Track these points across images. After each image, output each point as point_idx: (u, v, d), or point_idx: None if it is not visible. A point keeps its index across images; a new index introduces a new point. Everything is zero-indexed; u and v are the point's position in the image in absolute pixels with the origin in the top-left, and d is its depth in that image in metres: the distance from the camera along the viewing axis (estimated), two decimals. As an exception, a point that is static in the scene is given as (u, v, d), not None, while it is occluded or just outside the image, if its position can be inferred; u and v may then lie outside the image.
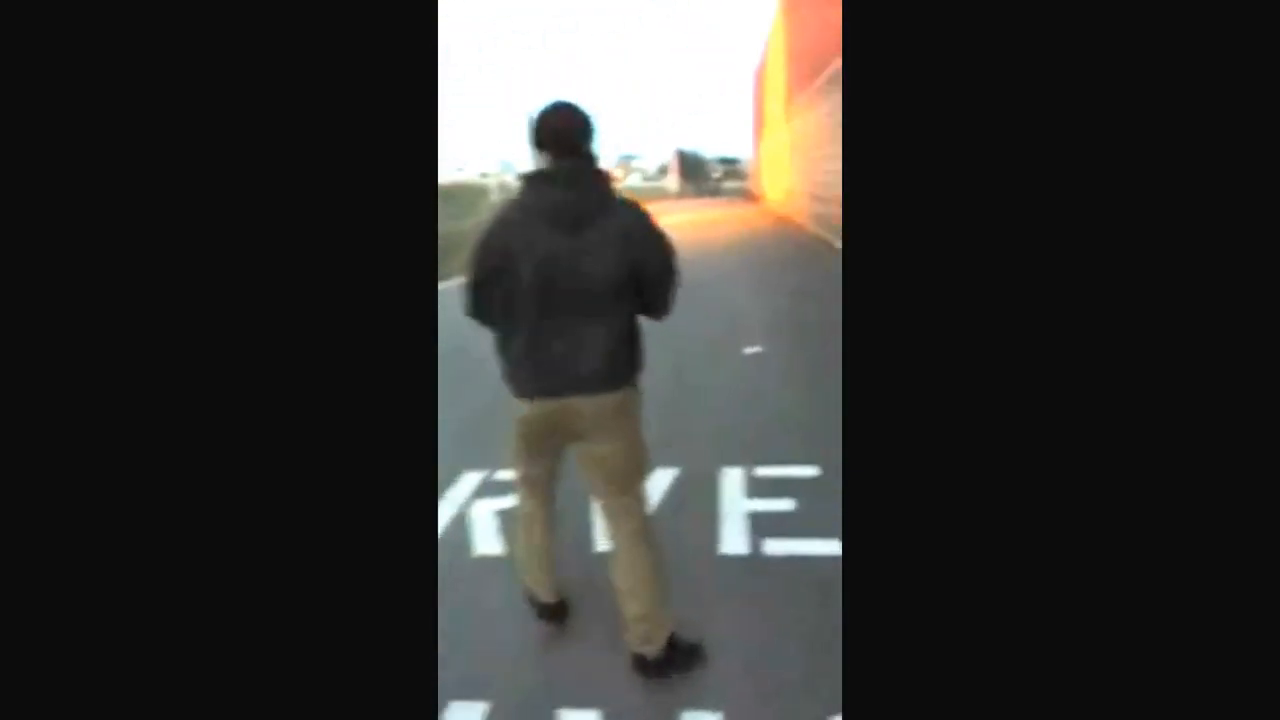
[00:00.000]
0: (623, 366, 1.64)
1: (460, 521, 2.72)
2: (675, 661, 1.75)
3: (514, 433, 1.76)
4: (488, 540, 2.58)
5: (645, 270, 1.59)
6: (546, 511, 1.90)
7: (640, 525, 1.77)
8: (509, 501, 2.78)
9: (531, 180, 1.58)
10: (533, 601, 1.96)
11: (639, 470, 1.78)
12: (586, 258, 1.54)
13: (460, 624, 2.11)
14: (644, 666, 1.75)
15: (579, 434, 1.68)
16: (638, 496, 1.78)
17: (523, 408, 1.67)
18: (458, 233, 14.57)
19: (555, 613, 1.96)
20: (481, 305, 1.65)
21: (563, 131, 1.54)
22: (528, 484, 1.86)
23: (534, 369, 1.61)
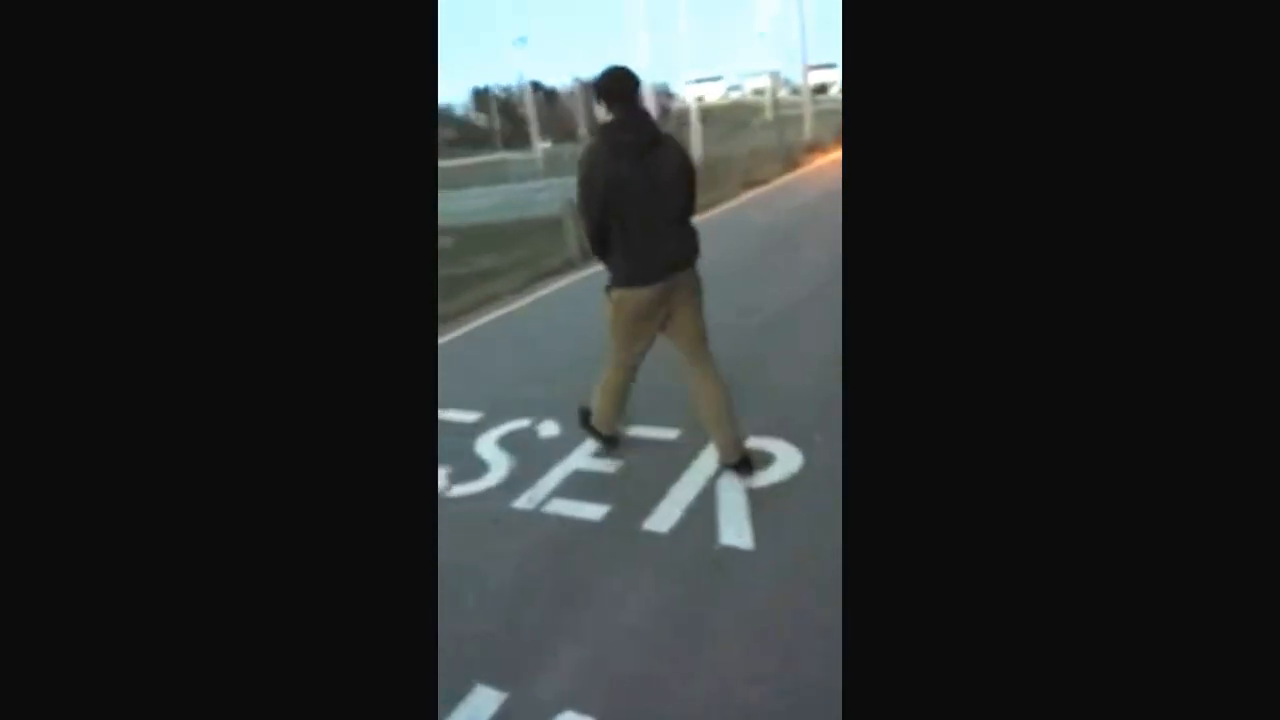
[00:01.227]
0: (697, 245, 2.44)
1: (707, 501, 2.41)
2: (751, 463, 2.50)
3: (624, 313, 2.41)
4: (737, 528, 2.24)
5: (689, 176, 2.35)
6: (629, 382, 2.65)
7: (715, 368, 2.52)
8: (770, 477, 2.46)
9: (608, 129, 2.25)
10: (599, 434, 2.79)
11: (705, 328, 2.52)
12: (660, 175, 2.25)
13: (688, 633, 1.79)
14: (738, 469, 2.49)
15: (675, 304, 2.41)
16: (708, 349, 2.53)
17: (643, 292, 2.34)
18: (723, 158, 14.15)
19: (614, 442, 2.81)
20: (600, 227, 2.30)
21: (621, 88, 2.24)
22: (626, 367, 2.58)
23: (651, 263, 2.31)
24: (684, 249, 2.38)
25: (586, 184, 2.27)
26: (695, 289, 2.45)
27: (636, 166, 2.21)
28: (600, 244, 2.36)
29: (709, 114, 15.15)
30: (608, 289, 2.43)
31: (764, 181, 11.82)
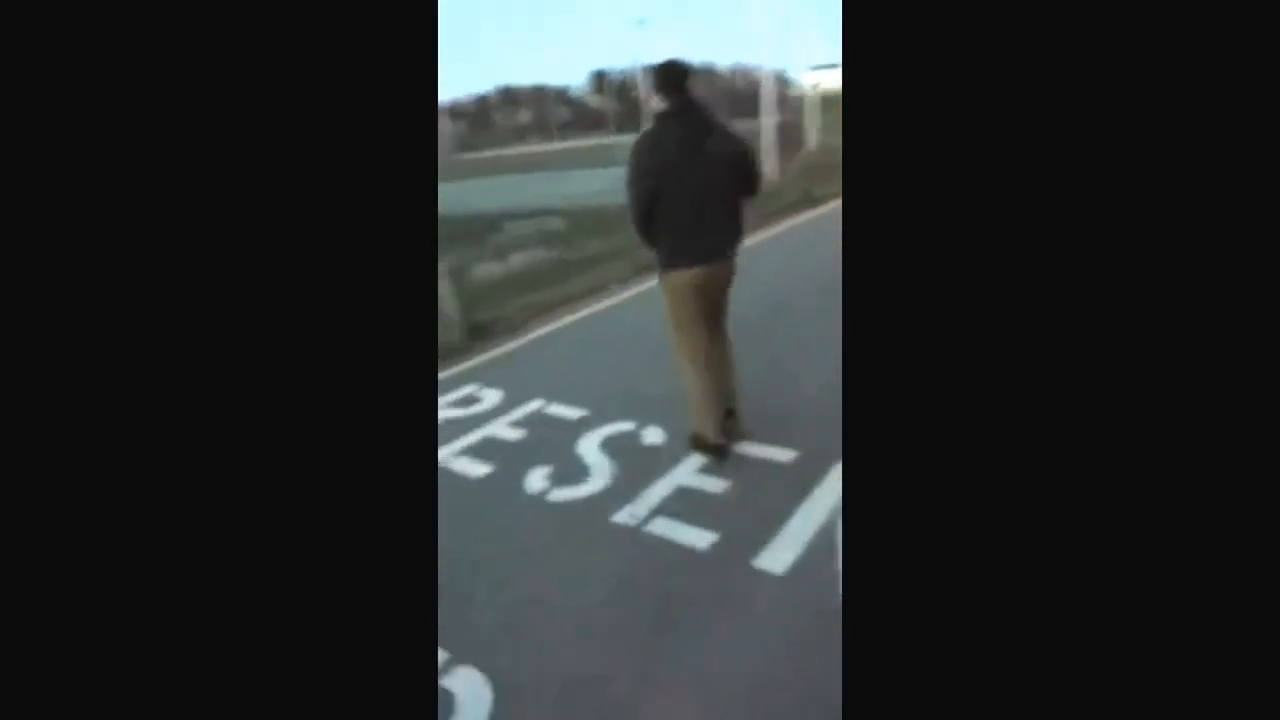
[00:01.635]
0: (739, 238, 2.54)
1: (827, 539, 2.14)
2: (737, 416, 2.71)
3: (681, 298, 2.50)
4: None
5: (743, 169, 2.44)
6: (714, 382, 2.62)
7: (727, 338, 2.74)
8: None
9: (660, 117, 2.37)
10: (703, 445, 2.67)
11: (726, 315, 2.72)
12: (707, 166, 2.33)
13: (801, 708, 1.54)
14: (728, 421, 2.66)
15: (715, 289, 2.54)
16: (724, 328, 2.73)
17: (686, 274, 2.44)
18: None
19: (723, 454, 2.65)
20: (646, 211, 2.39)
21: (670, 78, 2.34)
22: (699, 365, 2.58)
23: (694, 246, 2.41)
24: (726, 239, 2.46)
25: (634, 167, 2.37)
26: (729, 280, 2.57)
27: (685, 155, 2.30)
28: (645, 225, 2.43)
29: (827, 102, 14.38)
30: (660, 278, 2.56)
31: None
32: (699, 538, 2.23)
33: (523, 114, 56.72)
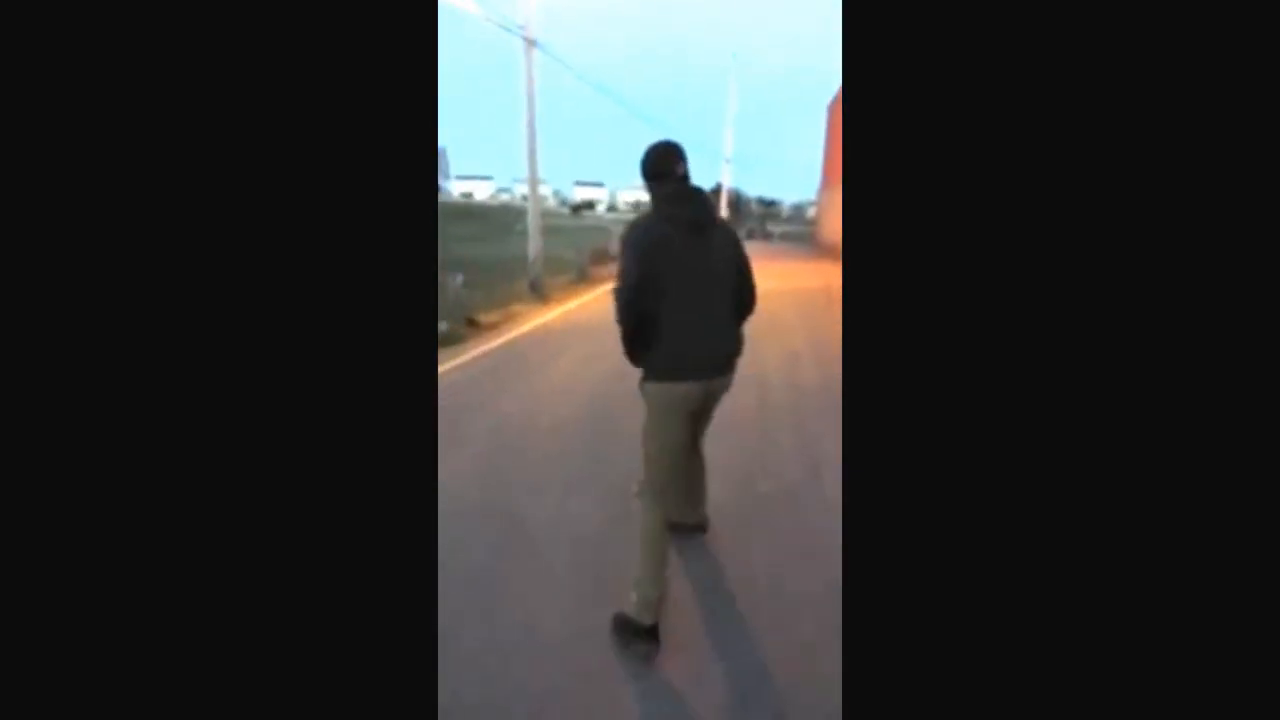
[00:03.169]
0: (742, 345, 2.04)
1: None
2: (705, 528, 2.61)
3: (670, 415, 1.94)
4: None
5: (744, 268, 2.01)
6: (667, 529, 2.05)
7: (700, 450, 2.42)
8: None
9: (657, 200, 1.89)
10: (636, 629, 1.94)
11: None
12: (715, 258, 1.90)
13: None
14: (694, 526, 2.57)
15: (711, 407, 2.10)
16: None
17: (689, 387, 1.90)
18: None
19: (654, 638, 1.94)
20: (638, 303, 1.82)
21: (662, 163, 1.90)
22: (664, 497, 2.01)
23: (700, 350, 1.89)
24: (734, 347, 1.99)
25: (629, 248, 1.81)
26: (719, 396, 2.06)
27: (689, 242, 1.84)
28: (635, 330, 1.86)
29: (472, 211, 14.96)
30: (643, 383, 1.95)
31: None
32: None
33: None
